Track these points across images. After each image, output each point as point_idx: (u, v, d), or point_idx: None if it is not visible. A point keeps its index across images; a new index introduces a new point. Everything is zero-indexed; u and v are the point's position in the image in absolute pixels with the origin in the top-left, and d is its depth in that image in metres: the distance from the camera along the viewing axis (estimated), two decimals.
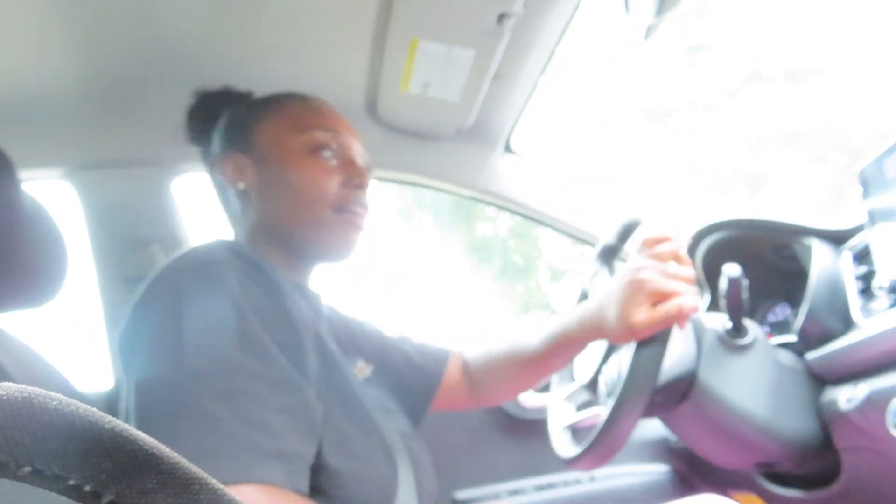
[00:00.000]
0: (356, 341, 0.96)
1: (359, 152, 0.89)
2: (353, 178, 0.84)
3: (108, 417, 0.24)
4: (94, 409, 0.24)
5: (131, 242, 1.24)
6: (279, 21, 0.97)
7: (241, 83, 1.02)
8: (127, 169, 1.24)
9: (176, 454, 0.25)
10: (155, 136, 1.22)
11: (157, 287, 0.70)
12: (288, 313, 0.71)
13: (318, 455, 0.67)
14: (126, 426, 0.24)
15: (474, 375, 1.04)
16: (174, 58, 1.02)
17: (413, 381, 1.00)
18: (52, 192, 1.25)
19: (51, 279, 0.76)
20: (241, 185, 0.85)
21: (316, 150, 0.83)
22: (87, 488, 0.23)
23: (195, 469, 0.25)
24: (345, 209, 0.83)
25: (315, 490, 0.66)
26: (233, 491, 0.56)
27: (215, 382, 0.61)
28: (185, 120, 0.98)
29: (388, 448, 0.76)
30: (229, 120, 0.91)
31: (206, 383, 0.61)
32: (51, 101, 1.08)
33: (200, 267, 0.69)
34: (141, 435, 0.24)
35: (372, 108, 1.20)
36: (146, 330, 0.68)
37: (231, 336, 0.63)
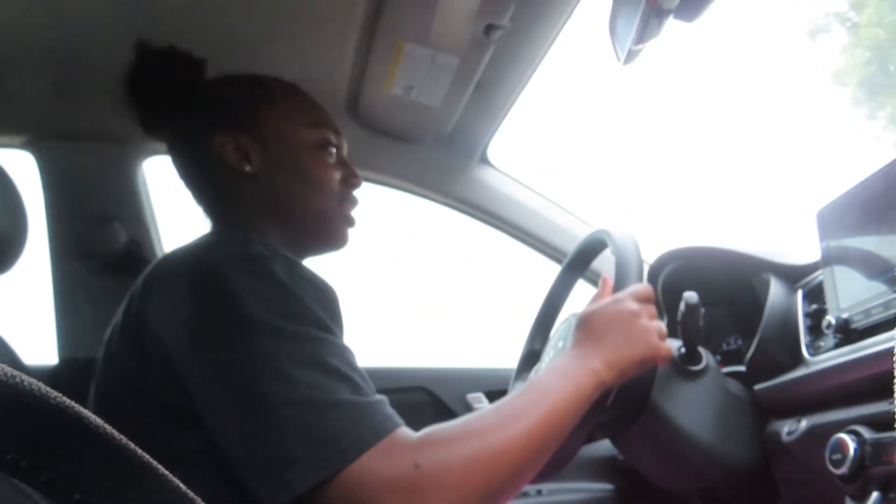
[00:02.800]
0: None
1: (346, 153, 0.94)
2: (351, 177, 0.90)
3: (54, 393, 0.23)
4: (40, 384, 0.23)
5: (92, 219, 1.21)
6: (265, 8, 0.96)
7: (221, 67, 1.00)
8: (94, 143, 1.20)
9: (122, 436, 0.24)
10: (126, 114, 1.19)
11: (207, 284, 0.65)
12: (340, 317, 0.70)
13: None
14: (72, 403, 0.23)
15: None
16: (151, 37, 0.99)
17: None
18: (10, 161, 1.21)
19: (9, 249, 0.74)
20: (247, 168, 0.83)
21: (323, 146, 0.87)
22: (23, 464, 0.23)
23: (140, 453, 0.25)
24: (343, 203, 0.89)
25: None
26: (378, 448, 0.56)
27: (327, 360, 0.61)
28: (129, 80, 0.89)
29: None
30: (223, 95, 0.87)
31: (318, 360, 0.60)
32: (16, 65, 1.04)
33: (248, 261, 0.66)
34: (87, 413, 0.24)
35: (352, 105, 1.20)
36: (204, 331, 0.63)
37: (313, 324, 0.63)
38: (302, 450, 0.55)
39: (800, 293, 0.95)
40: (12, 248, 0.74)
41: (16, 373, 0.22)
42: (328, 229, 0.88)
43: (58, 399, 0.23)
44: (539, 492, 1.38)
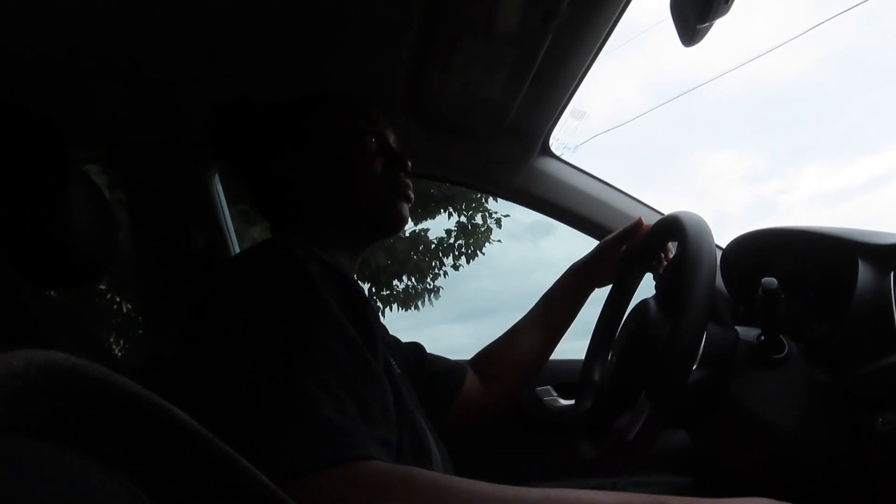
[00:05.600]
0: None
1: (393, 140, 0.96)
2: (394, 161, 0.92)
3: (146, 391, 0.25)
4: (133, 382, 0.25)
5: (169, 226, 1.27)
6: (322, 12, 0.98)
7: (284, 69, 1.03)
8: (168, 153, 1.26)
9: (208, 432, 0.25)
10: (202, 123, 1.24)
11: (240, 286, 0.68)
12: (369, 323, 0.69)
13: None
14: (163, 401, 0.25)
15: (484, 373, 1.06)
16: (220, 40, 1.03)
17: (434, 386, 1.01)
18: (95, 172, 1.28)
19: (100, 257, 0.78)
20: (290, 176, 0.89)
21: (357, 137, 0.91)
22: (120, 457, 0.24)
23: (226, 447, 0.26)
24: (391, 188, 0.92)
25: None
26: (351, 468, 0.53)
27: (322, 370, 0.59)
28: (214, 135, 0.97)
29: (424, 444, 0.77)
30: (268, 118, 0.94)
31: (312, 368, 0.59)
32: (91, 81, 1.10)
33: (285, 263, 0.68)
34: (176, 410, 0.25)
35: (411, 104, 1.21)
36: (234, 325, 0.65)
37: (329, 329, 0.63)
38: (270, 451, 0.54)
39: (892, 275, 0.89)
40: (102, 257, 0.79)
41: (111, 371, 0.24)
42: (378, 214, 0.91)
43: (148, 395, 0.25)
44: (614, 485, 1.36)
